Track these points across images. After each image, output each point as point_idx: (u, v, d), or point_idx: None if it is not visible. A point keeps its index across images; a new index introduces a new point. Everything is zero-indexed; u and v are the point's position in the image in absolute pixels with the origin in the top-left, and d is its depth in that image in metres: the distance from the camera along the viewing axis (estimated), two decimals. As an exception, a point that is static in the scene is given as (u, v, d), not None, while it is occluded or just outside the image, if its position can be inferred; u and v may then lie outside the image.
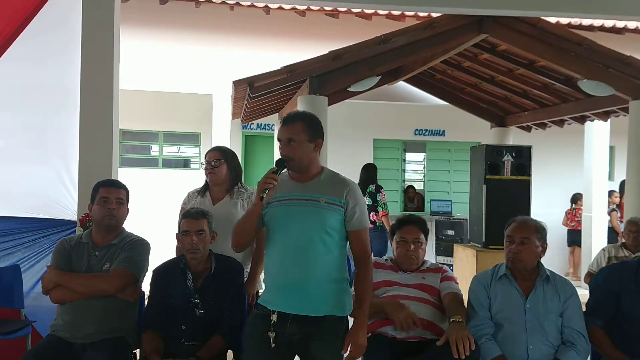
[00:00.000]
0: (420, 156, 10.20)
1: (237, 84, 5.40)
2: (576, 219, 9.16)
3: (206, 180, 3.38)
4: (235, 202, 3.26)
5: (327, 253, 2.39)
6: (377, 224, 6.65)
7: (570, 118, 7.26)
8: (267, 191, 2.30)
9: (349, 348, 2.42)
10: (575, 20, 7.46)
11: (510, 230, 2.87)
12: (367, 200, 6.72)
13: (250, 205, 2.43)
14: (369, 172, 7.02)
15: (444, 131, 9.90)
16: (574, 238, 9.14)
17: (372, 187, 6.85)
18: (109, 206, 2.96)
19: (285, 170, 2.42)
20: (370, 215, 6.59)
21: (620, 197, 8.47)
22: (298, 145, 2.38)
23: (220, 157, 3.30)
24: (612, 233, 8.38)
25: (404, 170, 10.02)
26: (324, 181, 2.45)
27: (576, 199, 9.14)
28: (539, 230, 2.85)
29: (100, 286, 2.85)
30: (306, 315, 2.35)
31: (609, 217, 8.49)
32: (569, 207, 9.38)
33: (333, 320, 2.40)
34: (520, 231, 2.82)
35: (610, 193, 8.78)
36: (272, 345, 2.34)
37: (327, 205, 2.38)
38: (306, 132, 2.40)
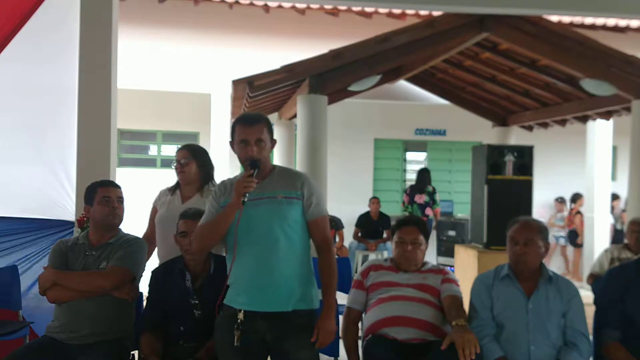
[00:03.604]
0: (421, 156, 10.17)
1: (236, 83, 5.39)
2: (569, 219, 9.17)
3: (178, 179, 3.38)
4: (205, 200, 3.22)
5: (291, 248, 2.41)
6: (429, 217, 8.09)
7: (572, 117, 7.24)
8: (247, 194, 2.31)
9: (317, 335, 2.41)
10: (577, 19, 7.44)
11: (513, 231, 2.85)
12: (426, 198, 8.29)
13: (225, 207, 2.38)
14: (426, 175, 8.48)
15: (445, 131, 9.87)
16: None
17: (429, 188, 8.32)
18: (112, 205, 2.97)
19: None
20: (426, 210, 8.22)
21: None
22: (264, 145, 2.43)
23: (188, 155, 3.29)
24: (617, 233, 8.34)
25: (405, 170, 9.99)
26: (277, 178, 2.47)
27: (574, 199, 9.11)
28: (542, 231, 2.84)
29: (97, 282, 2.85)
30: (275, 311, 2.37)
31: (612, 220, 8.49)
32: (569, 207, 9.36)
33: (304, 314, 2.41)
34: (524, 232, 2.80)
35: (613, 197, 8.77)
36: (236, 343, 2.35)
37: (285, 200, 2.41)
38: (268, 132, 2.45)
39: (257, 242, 2.37)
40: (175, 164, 3.30)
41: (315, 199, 2.47)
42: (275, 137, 2.53)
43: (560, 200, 9.36)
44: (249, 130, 2.40)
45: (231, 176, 2.58)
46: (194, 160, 3.28)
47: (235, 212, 2.33)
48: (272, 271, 2.37)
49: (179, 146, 3.43)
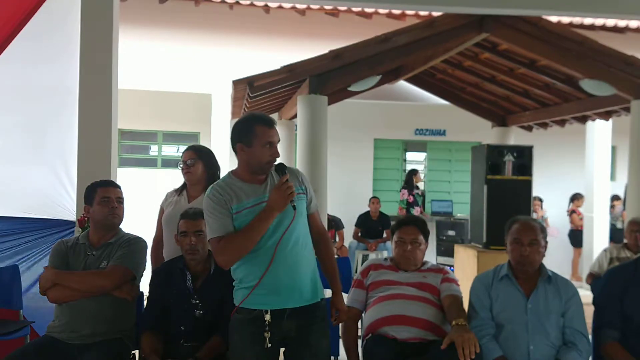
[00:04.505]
0: (421, 156, 10.17)
1: (236, 83, 5.40)
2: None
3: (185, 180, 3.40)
4: None
5: (306, 241, 2.46)
6: None
7: (571, 118, 7.25)
8: (294, 199, 2.35)
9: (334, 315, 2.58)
10: (576, 20, 7.44)
11: (516, 232, 2.84)
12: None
13: (261, 213, 2.33)
14: (408, 176, 8.91)
15: (444, 131, 9.87)
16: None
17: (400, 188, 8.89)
18: (111, 205, 2.98)
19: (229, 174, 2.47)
20: (398, 209, 8.68)
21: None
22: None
23: (194, 156, 3.31)
24: (618, 233, 8.34)
25: (405, 170, 9.99)
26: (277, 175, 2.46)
27: (572, 199, 9.10)
28: (543, 230, 2.86)
29: (97, 282, 2.86)
30: (302, 306, 2.40)
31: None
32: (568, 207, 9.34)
33: (321, 305, 2.49)
34: (528, 233, 2.81)
35: (616, 198, 8.75)
36: (269, 345, 2.35)
37: (296, 196, 2.42)
38: None
39: (279, 242, 2.36)
40: (181, 165, 3.33)
41: (312, 192, 2.54)
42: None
43: (539, 200, 9.16)
44: (273, 132, 2.39)
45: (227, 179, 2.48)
46: (200, 161, 3.31)
47: (274, 218, 2.32)
48: (296, 267, 2.39)
49: (186, 147, 3.45)
